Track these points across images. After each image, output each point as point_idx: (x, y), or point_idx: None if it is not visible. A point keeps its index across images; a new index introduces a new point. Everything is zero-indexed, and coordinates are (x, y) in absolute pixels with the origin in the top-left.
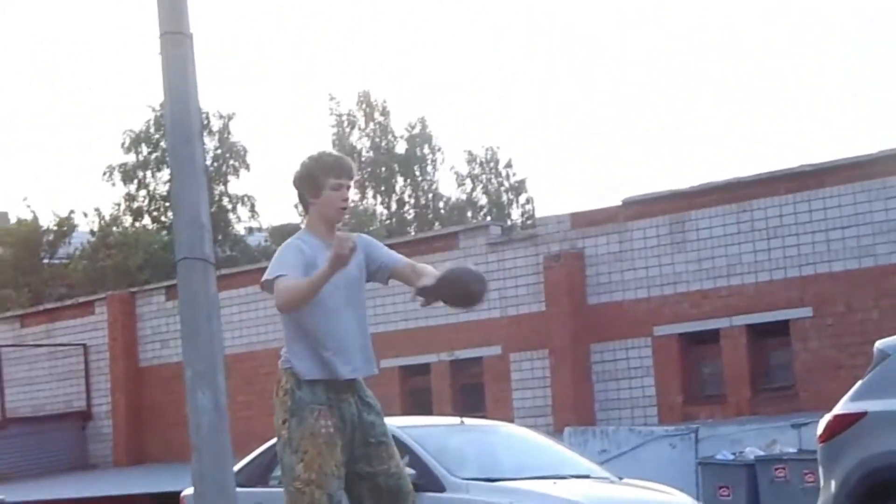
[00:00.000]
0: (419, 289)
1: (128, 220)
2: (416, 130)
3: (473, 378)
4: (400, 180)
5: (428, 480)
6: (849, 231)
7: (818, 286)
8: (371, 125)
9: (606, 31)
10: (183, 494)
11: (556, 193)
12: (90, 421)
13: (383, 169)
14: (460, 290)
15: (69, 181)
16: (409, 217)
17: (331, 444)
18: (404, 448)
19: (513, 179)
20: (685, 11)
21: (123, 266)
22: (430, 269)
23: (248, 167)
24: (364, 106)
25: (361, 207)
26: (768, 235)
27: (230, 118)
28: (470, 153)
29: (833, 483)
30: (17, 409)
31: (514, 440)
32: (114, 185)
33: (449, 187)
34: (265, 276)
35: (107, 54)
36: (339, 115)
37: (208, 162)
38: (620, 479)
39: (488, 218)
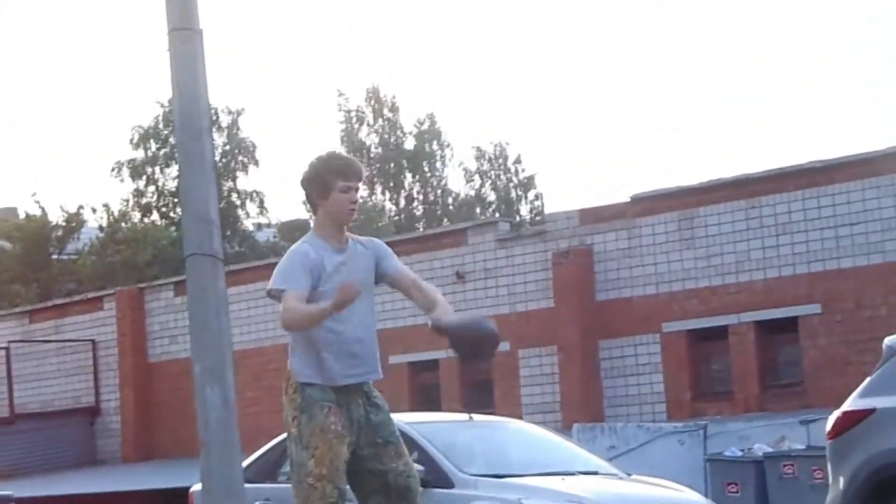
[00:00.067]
0: (434, 324)
1: (136, 215)
2: (425, 126)
3: (482, 374)
4: (409, 176)
5: (436, 476)
6: (857, 228)
7: (827, 283)
8: (380, 121)
9: (615, 28)
10: (192, 490)
11: (564, 190)
12: (98, 417)
13: (392, 165)
14: (472, 350)
15: (78, 177)
16: (418, 213)
17: (340, 440)
18: (413, 444)
19: (521, 175)
20: (694, 8)
21: (132, 262)
22: (440, 299)
23: (256, 163)
24: (373, 102)
25: (370, 203)
26: (777, 232)
27: (239, 114)
28: (479, 149)
29: (842, 479)
30: (25, 404)
31: (523, 436)
32: (122, 180)
33: (458, 183)
34: (271, 285)
35: (116, 50)
36: (348, 111)
37: (217, 158)
38: (629, 475)
39: (497, 214)
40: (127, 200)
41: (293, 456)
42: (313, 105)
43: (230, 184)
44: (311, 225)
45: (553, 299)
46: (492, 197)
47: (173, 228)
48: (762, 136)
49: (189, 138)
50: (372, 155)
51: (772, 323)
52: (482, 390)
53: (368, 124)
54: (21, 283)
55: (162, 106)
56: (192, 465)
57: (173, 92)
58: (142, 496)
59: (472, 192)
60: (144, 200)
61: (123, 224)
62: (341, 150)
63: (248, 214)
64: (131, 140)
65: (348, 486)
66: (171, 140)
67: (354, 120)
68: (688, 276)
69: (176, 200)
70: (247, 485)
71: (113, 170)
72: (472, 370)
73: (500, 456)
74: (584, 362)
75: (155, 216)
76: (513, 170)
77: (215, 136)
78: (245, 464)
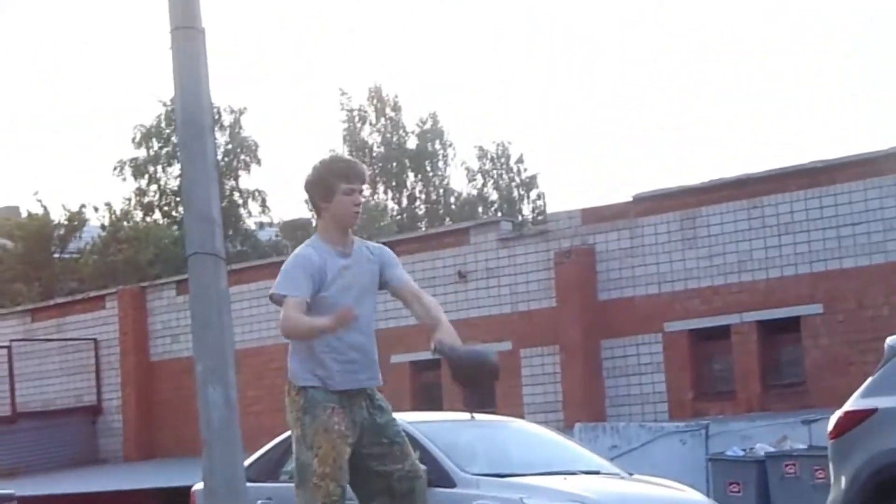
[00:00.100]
0: (437, 347)
1: (138, 214)
2: (428, 126)
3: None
4: (411, 176)
5: (438, 476)
6: (859, 228)
7: (829, 283)
8: (382, 120)
9: (617, 28)
10: (193, 489)
11: (567, 189)
12: (100, 415)
13: (394, 164)
14: (472, 381)
15: (80, 176)
16: (420, 212)
17: (343, 440)
18: (414, 444)
19: (524, 175)
20: (695, 8)
21: (134, 261)
22: (442, 318)
23: (259, 162)
24: (375, 101)
25: (372, 203)
26: (779, 232)
27: (241, 113)
28: (481, 149)
29: (843, 479)
30: (27, 403)
31: (525, 436)
32: (124, 179)
33: (460, 183)
34: (273, 289)
35: (118, 49)
36: (350, 111)
37: (219, 157)
38: (631, 474)
39: (499, 213)
40: (129, 199)
41: (298, 457)
42: (315, 104)
43: (232, 183)
44: (314, 225)
45: (555, 299)
46: (494, 196)
47: (175, 227)
48: (764, 136)
49: (191, 137)
50: (374, 154)
51: (774, 323)
52: (484, 390)
53: (371, 123)
54: (23, 281)
55: (164, 105)
56: (193, 464)
57: (175, 91)
58: (143, 495)
59: (475, 192)
60: (146, 199)
61: (125, 223)
62: (343, 149)
63: (250, 213)
64: (133, 139)
65: (351, 487)
66: (174, 139)
67: (357, 119)
68: (690, 276)
69: (178, 199)
70: (249, 484)
71: (115, 168)
72: (473, 392)
73: (501, 455)
74: (586, 362)
75: (157, 215)
76: (515, 169)
77: (217, 134)
78: (247, 463)
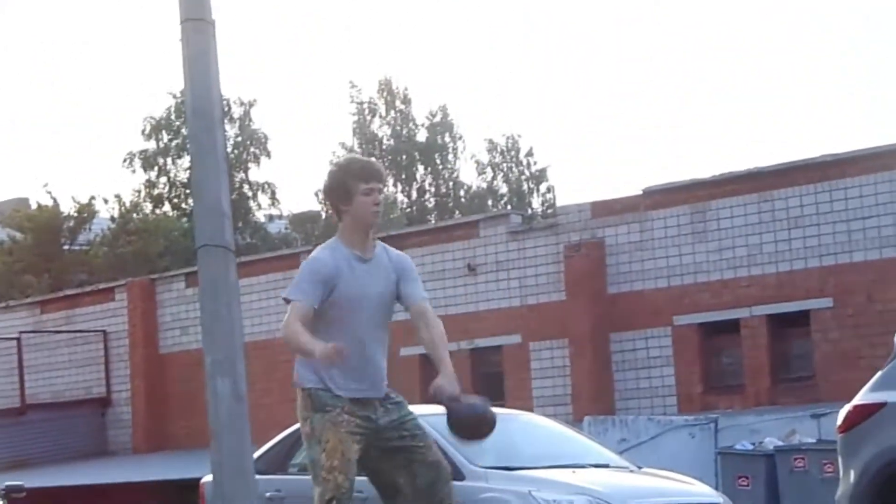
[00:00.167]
0: (436, 393)
1: (148, 206)
2: (438, 118)
3: (493, 367)
4: (421, 168)
5: None
6: (870, 221)
7: (839, 276)
8: (392, 113)
9: (628, 21)
10: (202, 481)
11: (576, 182)
12: (109, 407)
13: (404, 157)
14: (468, 434)
15: (90, 168)
16: (430, 205)
17: (350, 435)
18: None
19: (534, 168)
20: (708, 1)
21: (143, 253)
22: (445, 357)
23: (268, 154)
24: (385, 94)
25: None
26: (789, 225)
27: (251, 105)
28: (491, 142)
29: (852, 473)
30: (36, 395)
31: (534, 429)
32: (134, 171)
33: (470, 176)
34: (286, 292)
35: (129, 41)
36: (360, 103)
37: (229, 149)
38: (640, 468)
39: (509, 207)
40: (139, 191)
41: (310, 455)
42: (325, 97)
43: (242, 175)
44: (323, 218)
45: (564, 292)
46: (503, 189)
47: (185, 219)
48: (775, 130)
49: (201, 129)
50: (384, 147)
51: (783, 316)
52: (493, 382)
53: (381, 116)
54: (33, 273)
55: (174, 97)
56: (202, 456)
57: (185, 83)
58: (152, 487)
59: (484, 185)
60: (156, 191)
61: (135, 215)
62: (353, 141)
63: (259, 206)
64: (143, 131)
65: (373, 483)
66: (184, 131)
67: (367, 112)
68: (699, 270)
69: (188, 191)
70: (257, 476)
71: (125, 161)
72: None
73: (510, 448)
74: (596, 355)
75: (167, 207)
76: (525, 162)
77: (227, 127)
78: (256, 455)
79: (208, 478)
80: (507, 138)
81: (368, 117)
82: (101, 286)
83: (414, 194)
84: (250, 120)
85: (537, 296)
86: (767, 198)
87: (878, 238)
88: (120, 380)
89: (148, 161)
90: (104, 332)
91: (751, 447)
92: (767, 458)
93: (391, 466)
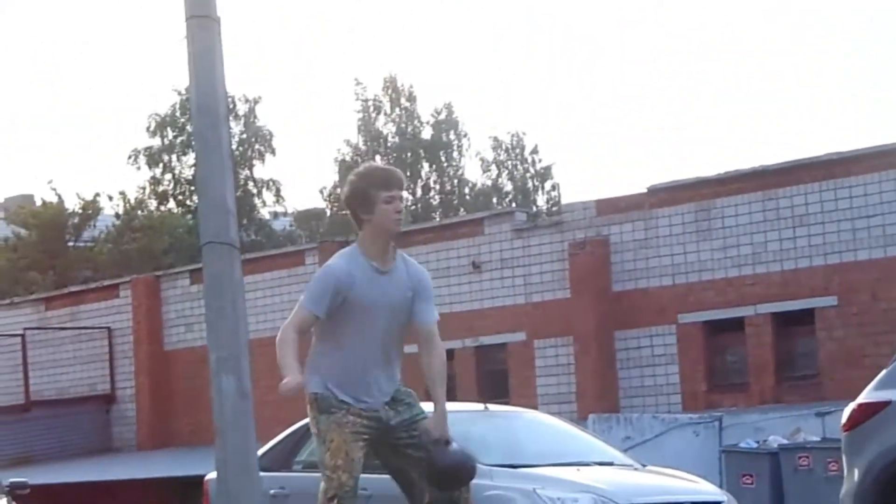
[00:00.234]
0: (423, 437)
1: (153, 203)
2: (443, 116)
3: (498, 364)
4: (425, 166)
5: None
6: (874, 220)
7: (844, 275)
8: (397, 110)
9: (633, 20)
10: (207, 478)
11: (581, 180)
12: (114, 404)
13: (409, 154)
14: (448, 484)
15: (94, 164)
16: (435, 203)
17: (356, 435)
18: None
19: (538, 166)
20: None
21: (148, 249)
22: (441, 395)
23: (273, 152)
24: (390, 91)
25: None
26: (794, 224)
27: (256, 102)
28: (496, 139)
29: (856, 472)
30: (41, 391)
31: (538, 427)
32: (139, 168)
33: (474, 173)
34: (302, 299)
35: (134, 38)
36: (365, 100)
37: (234, 146)
38: (644, 466)
39: (514, 204)
40: (143, 188)
41: (318, 454)
42: (330, 94)
43: (247, 172)
44: (328, 215)
45: (569, 290)
46: (508, 187)
47: (190, 216)
48: (780, 129)
49: (206, 126)
50: (389, 144)
51: (788, 315)
52: (498, 380)
53: (385, 113)
54: (37, 270)
55: (179, 94)
56: (207, 453)
57: (190, 80)
58: (157, 484)
59: (489, 182)
60: (161, 188)
61: (140, 212)
62: (358, 139)
63: (264, 203)
64: (148, 128)
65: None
66: (188, 128)
67: (372, 109)
68: (704, 268)
69: (192, 188)
70: (262, 473)
71: (130, 157)
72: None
73: (515, 446)
74: (600, 353)
75: (171, 204)
76: (530, 160)
77: (232, 124)
78: (260, 452)
79: (213, 475)
80: (512, 136)
81: (373, 115)
82: (106, 283)
83: (419, 192)
84: (255, 117)
85: (542, 293)
86: (772, 196)
87: (883, 236)
88: (124, 377)
89: (153, 158)
90: (109, 328)
91: (755, 445)
92: (772, 457)
93: (404, 462)
